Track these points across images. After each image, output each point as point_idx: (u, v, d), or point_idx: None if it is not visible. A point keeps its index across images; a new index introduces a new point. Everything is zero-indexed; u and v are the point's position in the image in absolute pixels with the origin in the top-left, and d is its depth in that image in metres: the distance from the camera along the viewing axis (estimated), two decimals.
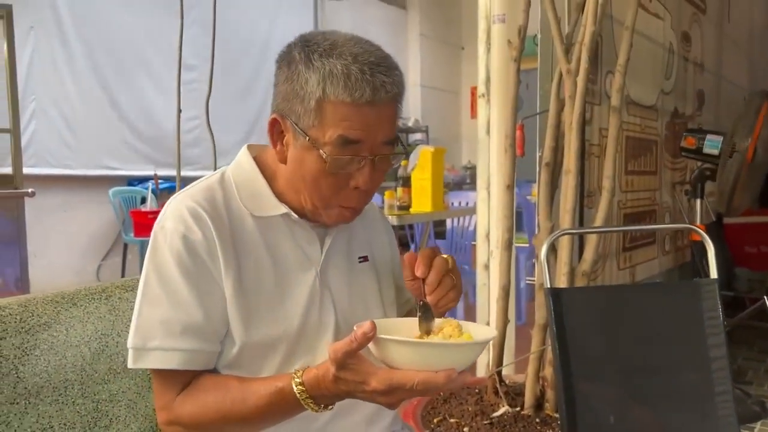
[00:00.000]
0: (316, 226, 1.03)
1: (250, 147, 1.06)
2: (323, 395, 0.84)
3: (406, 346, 0.79)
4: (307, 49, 0.90)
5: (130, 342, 0.92)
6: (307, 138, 0.91)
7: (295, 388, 0.85)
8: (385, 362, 0.81)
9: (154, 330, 0.91)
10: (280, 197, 1.00)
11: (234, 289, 0.93)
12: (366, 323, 0.78)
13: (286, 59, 0.93)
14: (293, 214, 0.99)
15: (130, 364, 0.92)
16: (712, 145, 2.85)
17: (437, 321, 0.90)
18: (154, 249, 0.94)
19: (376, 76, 0.88)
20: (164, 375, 0.93)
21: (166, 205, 0.98)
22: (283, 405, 0.87)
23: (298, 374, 0.85)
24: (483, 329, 0.89)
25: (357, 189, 0.94)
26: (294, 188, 0.98)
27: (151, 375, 1.02)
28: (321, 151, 0.90)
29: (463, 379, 0.79)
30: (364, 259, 1.10)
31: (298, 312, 0.98)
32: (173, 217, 0.94)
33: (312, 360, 0.98)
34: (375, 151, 0.92)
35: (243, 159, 1.04)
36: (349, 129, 0.89)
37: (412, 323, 0.90)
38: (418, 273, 0.91)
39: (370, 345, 0.79)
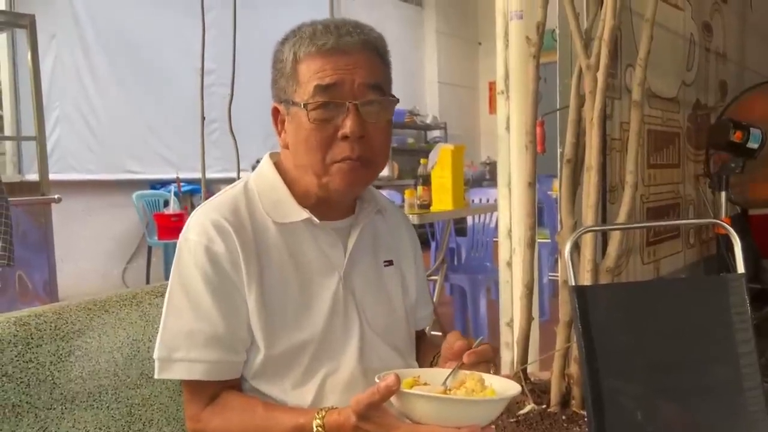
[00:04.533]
0: (338, 229, 1.03)
1: (271, 154, 1.07)
2: None
3: (429, 401, 0.78)
4: (284, 36, 0.98)
5: (156, 353, 0.94)
6: (292, 103, 0.95)
7: (314, 429, 0.84)
8: (406, 416, 0.80)
9: (179, 341, 0.93)
10: (301, 202, 1.00)
11: (257, 298, 0.94)
12: (390, 376, 0.77)
13: (274, 56, 1.01)
14: (315, 219, 0.99)
15: (156, 375, 0.94)
16: (755, 138, 2.77)
17: (460, 374, 0.88)
18: (178, 261, 0.96)
19: (341, 28, 0.94)
20: (192, 386, 0.95)
21: (190, 216, 0.99)
22: None
23: (320, 414, 0.85)
24: (506, 383, 0.87)
25: (347, 139, 0.93)
26: (301, 168, 0.98)
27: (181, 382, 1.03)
28: (304, 107, 0.93)
29: None
30: (389, 263, 1.09)
31: (322, 317, 0.98)
32: (197, 230, 0.95)
33: (337, 366, 0.98)
34: (356, 97, 0.93)
35: (265, 166, 1.05)
36: (322, 77, 0.92)
37: (434, 372, 0.90)
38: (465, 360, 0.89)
39: (393, 397, 0.78)
